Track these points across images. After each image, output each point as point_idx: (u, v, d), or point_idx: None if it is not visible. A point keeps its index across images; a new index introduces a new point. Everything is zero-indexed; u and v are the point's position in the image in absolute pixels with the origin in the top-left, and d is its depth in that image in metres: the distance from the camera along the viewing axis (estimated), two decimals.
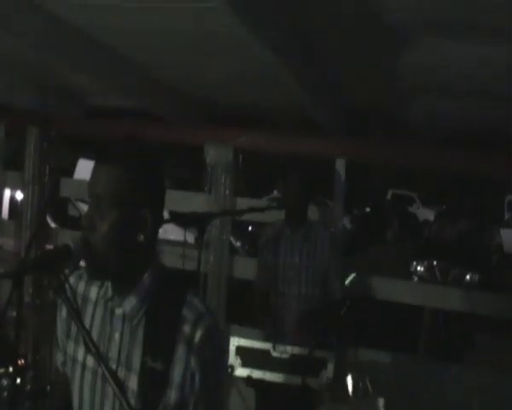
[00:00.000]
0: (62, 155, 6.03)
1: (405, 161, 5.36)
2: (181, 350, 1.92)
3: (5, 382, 4.10)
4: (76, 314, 1.89)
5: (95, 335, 2.02)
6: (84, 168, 13.85)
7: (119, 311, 1.99)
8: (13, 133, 5.84)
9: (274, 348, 3.85)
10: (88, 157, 14.48)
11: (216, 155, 5.17)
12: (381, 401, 3.55)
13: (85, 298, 2.08)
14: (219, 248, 5.15)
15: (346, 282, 4.68)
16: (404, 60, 3.69)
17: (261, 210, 4.24)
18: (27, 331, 4.86)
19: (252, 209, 4.26)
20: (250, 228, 14.49)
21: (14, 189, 9.38)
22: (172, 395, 1.93)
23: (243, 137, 5.16)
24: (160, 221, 2.01)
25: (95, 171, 1.93)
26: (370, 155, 5.22)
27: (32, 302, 5.17)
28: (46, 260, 1.84)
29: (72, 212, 12.54)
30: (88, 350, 2.01)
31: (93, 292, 2.07)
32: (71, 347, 2.10)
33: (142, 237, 1.92)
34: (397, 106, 4.78)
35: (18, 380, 4.04)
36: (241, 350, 3.84)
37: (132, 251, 1.95)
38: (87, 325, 2.03)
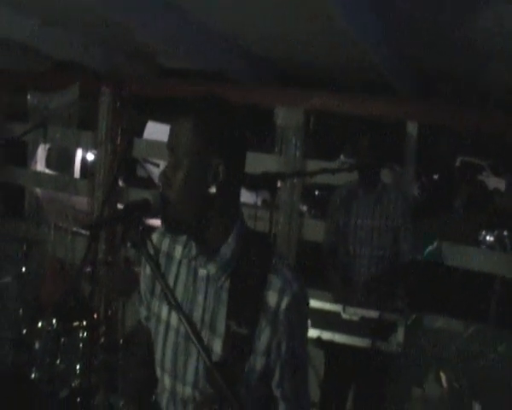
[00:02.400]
0: (133, 116, 6.10)
1: (476, 127, 5.23)
2: (267, 317, 1.90)
3: (80, 335, 4.24)
4: (158, 272, 1.91)
5: (178, 295, 2.02)
6: (153, 130, 13.98)
7: (202, 272, 1.98)
8: (86, 94, 5.90)
9: (344, 309, 3.84)
10: (156, 120, 14.61)
11: (286, 117, 5.14)
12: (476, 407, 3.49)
13: (169, 256, 2.08)
14: (289, 209, 5.14)
15: (428, 248, 4.62)
16: (480, 24, 3.59)
17: (334, 171, 4.19)
18: (101, 287, 4.96)
19: (324, 170, 4.22)
20: (316, 193, 14.46)
21: (86, 149, 9.53)
22: (257, 361, 1.93)
23: (314, 99, 5.12)
24: (239, 179, 1.97)
25: (171, 126, 1.94)
26: (442, 119, 5.10)
27: (105, 259, 5.27)
28: (127, 214, 1.86)
29: (140, 173, 12.71)
30: (172, 309, 2.03)
31: (177, 251, 2.07)
32: (155, 304, 2.12)
33: (214, 189, 1.89)
34: (469, 71, 4.67)
35: (92, 334, 4.17)
36: (311, 311, 3.83)
37: (206, 204, 1.91)
38: (171, 284, 2.04)
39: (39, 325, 4.30)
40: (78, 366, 4.15)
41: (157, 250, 2.06)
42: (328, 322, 3.81)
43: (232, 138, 1.94)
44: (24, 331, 4.41)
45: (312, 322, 3.82)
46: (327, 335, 3.85)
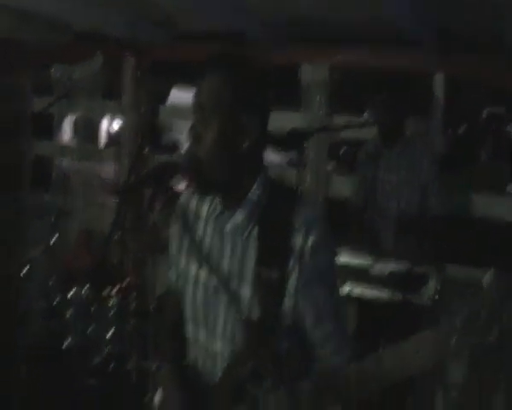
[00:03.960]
0: (157, 83, 6.10)
1: (503, 78, 5.15)
2: (295, 258, 1.91)
3: (111, 302, 4.29)
4: (188, 228, 1.93)
5: (205, 251, 2.06)
6: (177, 96, 13.95)
7: (229, 226, 2.01)
8: (110, 62, 5.91)
9: (373, 264, 3.84)
10: (180, 86, 14.57)
11: (311, 74, 5.13)
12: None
13: (196, 215, 2.12)
14: (316, 167, 5.13)
15: (457, 201, 4.59)
16: None
17: (357, 126, 4.18)
18: (130, 253, 5.00)
19: (350, 125, 4.21)
20: (342, 150, 14.35)
21: (111, 118, 9.57)
22: (288, 303, 1.93)
23: (339, 55, 5.09)
24: (266, 133, 2.01)
25: (199, 82, 1.95)
26: (468, 71, 5.04)
27: (134, 224, 5.30)
28: (157, 175, 1.89)
29: (165, 140, 12.73)
30: (200, 266, 2.07)
31: (204, 209, 2.10)
32: (183, 262, 2.15)
33: (246, 145, 1.93)
34: (495, 23, 4.58)
35: (123, 300, 4.22)
36: (340, 267, 3.85)
37: (238, 160, 1.95)
38: (198, 242, 2.08)
39: (70, 294, 4.37)
40: (109, 333, 4.21)
41: (185, 209, 2.11)
42: (358, 277, 3.81)
43: (260, 95, 1.98)
44: (55, 301, 4.48)
45: (341, 278, 3.84)
46: (356, 290, 3.86)
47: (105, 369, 4.14)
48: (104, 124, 11.32)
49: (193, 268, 2.10)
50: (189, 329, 2.13)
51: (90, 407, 4.13)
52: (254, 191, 1.99)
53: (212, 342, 2.05)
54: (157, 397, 2.22)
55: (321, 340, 2.01)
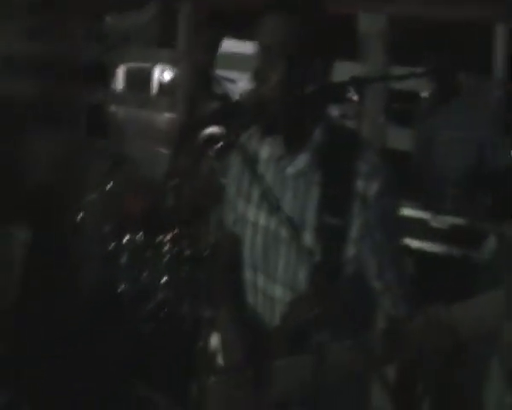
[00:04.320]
0: (212, 31, 6.02)
1: None
2: (357, 204, 1.87)
3: (165, 248, 4.30)
4: (252, 169, 1.96)
5: (266, 195, 2.01)
6: (231, 46, 13.86)
7: (290, 169, 1.97)
8: (165, 9, 5.86)
9: (433, 217, 3.77)
10: (235, 35, 14.47)
11: (369, 23, 5.01)
12: None
13: (256, 158, 2.07)
14: (373, 117, 5.04)
15: None
16: None
17: (418, 77, 4.07)
18: (185, 199, 5.01)
19: (408, 76, 4.09)
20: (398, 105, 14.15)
21: (165, 67, 9.52)
22: (351, 250, 1.90)
23: (398, 4, 4.95)
24: (330, 76, 1.95)
25: (264, 21, 1.90)
26: None
27: (189, 170, 5.30)
28: (220, 117, 1.86)
29: (216, 89, 12.68)
30: (259, 209, 2.04)
31: (264, 152, 2.05)
32: (241, 206, 2.12)
33: (312, 88, 1.88)
34: None
35: (177, 245, 4.23)
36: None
37: (302, 103, 1.90)
38: (258, 185, 2.04)
39: (125, 239, 4.39)
40: (164, 279, 4.23)
41: (244, 151, 2.09)
42: (417, 230, 3.75)
43: (328, 38, 1.93)
44: (110, 247, 4.51)
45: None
46: (416, 243, 3.80)
47: (158, 315, 4.17)
48: (156, 73, 11.33)
49: (252, 212, 2.07)
50: (247, 273, 2.11)
51: (143, 351, 4.17)
52: (317, 136, 1.94)
53: (272, 287, 2.02)
54: (213, 341, 2.21)
55: (383, 289, 1.97)
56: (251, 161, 2.04)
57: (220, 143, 1.92)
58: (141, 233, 4.40)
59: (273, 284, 2.02)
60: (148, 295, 4.25)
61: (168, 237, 4.36)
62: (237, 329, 2.06)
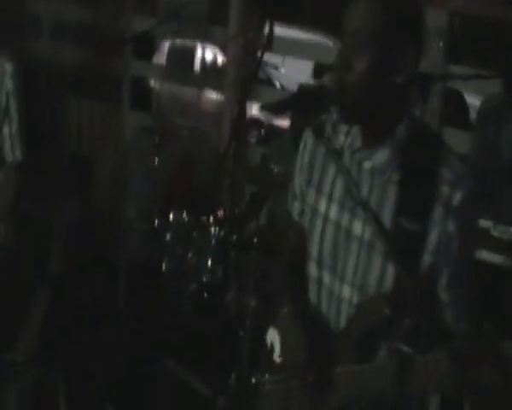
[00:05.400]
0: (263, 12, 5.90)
1: None
2: (438, 212, 1.76)
3: (212, 231, 4.21)
4: (319, 159, 1.86)
5: (339, 188, 1.93)
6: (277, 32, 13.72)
7: (367, 164, 1.85)
8: None
9: (494, 226, 3.63)
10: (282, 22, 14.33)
11: (428, 18, 4.85)
12: None
13: (329, 147, 1.95)
14: (431, 116, 4.90)
15: None
16: None
17: (484, 78, 3.92)
18: (235, 182, 4.95)
19: (473, 76, 3.95)
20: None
21: (206, 46, 9.44)
22: (426, 259, 1.80)
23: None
24: (417, 67, 1.83)
25: (351, 5, 1.78)
26: None
27: (230, 154, 5.21)
28: (303, 98, 1.76)
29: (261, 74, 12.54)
30: (331, 202, 1.94)
31: (338, 141, 1.93)
32: (311, 196, 2.01)
33: (400, 79, 1.76)
34: None
35: (224, 229, 4.14)
36: None
37: (388, 93, 1.78)
38: (331, 176, 1.95)
39: (171, 217, 4.31)
40: (209, 262, 4.14)
41: (315, 139, 1.98)
42: (476, 238, 3.61)
43: (420, 26, 1.81)
44: (156, 223, 4.44)
45: None
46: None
47: (200, 297, 4.10)
48: (199, 53, 11.25)
49: (323, 204, 1.96)
50: (312, 269, 2.02)
51: (182, 332, 4.12)
52: (400, 131, 1.81)
53: (339, 286, 1.93)
54: (272, 338, 2.11)
55: (449, 302, 1.88)
56: (335, 151, 1.91)
57: (314, 126, 1.80)
58: (186, 212, 4.29)
59: (340, 283, 1.93)
60: (192, 276, 4.16)
61: (215, 218, 4.26)
62: (302, 328, 1.96)
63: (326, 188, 1.96)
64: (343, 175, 1.88)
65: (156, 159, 4.67)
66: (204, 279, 4.12)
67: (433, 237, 1.78)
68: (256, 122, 7.78)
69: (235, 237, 3.97)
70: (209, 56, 9.64)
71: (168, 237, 4.25)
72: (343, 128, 1.91)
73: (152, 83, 7.12)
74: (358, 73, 1.74)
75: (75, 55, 5.94)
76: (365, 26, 1.74)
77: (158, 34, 6.33)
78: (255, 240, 3.73)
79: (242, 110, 3.38)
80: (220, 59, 9.45)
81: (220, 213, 4.28)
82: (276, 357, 2.06)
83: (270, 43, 3.67)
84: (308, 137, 2.05)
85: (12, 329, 3.39)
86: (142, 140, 5.17)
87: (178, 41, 8.98)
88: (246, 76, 5.10)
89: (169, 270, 4.21)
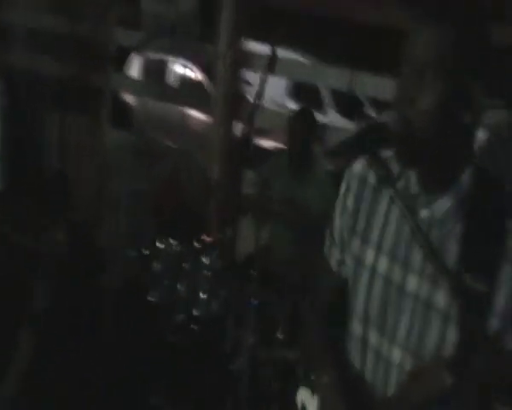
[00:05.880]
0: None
1: None
2: (506, 271, 1.56)
3: (203, 260, 3.98)
4: (365, 203, 1.72)
5: (389, 237, 1.73)
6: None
7: (424, 213, 1.65)
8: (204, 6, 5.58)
9: None
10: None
11: None
12: None
13: (377, 190, 1.76)
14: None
15: None
16: None
17: None
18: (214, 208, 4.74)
19: None
20: None
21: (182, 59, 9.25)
22: (493, 323, 1.59)
23: None
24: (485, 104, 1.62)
25: (415, 32, 1.57)
26: None
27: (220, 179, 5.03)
28: (366, 138, 1.56)
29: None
30: (380, 253, 1.73)
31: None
32: (355, 245, 1.80)
33: (468, 118, 1.56)
34: None
35: (203, 257, 3.91)
36: None
37: (456, 134, 1.58)
38: (379, 224, 1.75)
39: (160, 244, 4.07)
40: (200, 294, 3.91)
41: (361, 179, 1.80)
42: None
43: (491, 59, 1.59)
44: (144, 251, 4.19)
45: None
46: None
47: (188, 330, 3.89)
48: (172, 65, 11.05)
49: (369, 255, 1.76)
50: (357, 326, 1.81)
51: (168, 362, 3.93)
52: (465, 179, 1.62)
53: (389, 348, 1.73)
54: (305, 399, 1.90)
55: None
56: (364, 192, 1.76)
57: (380, 169, 1.60)
58: (175, 238, 4.06)
59: (390, 345, 1.73)
60: (181, 307, 3.94)
61: (206, 245, 4.05)
62: (345, 400, 1.75)
63: (373, 237, 1.76)
64: (402, 222, 1.68)
65: (144, 181, 4.43)
66: (194, 313, 3.88)
67: (501, 299, 1.58)
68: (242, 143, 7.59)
69: (229, 266, 3.77)
70: (181, 70, 9.46)
71: (156, 265, 4.01)
72: (394, 170, 1.70)
73: (129, 98, 6.88)
74: (424, 110, 1.54)
75: (54, 68, 5.68)
76: (431, 56, 1.53)
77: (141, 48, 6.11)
78: (252, 269, 3.51)
79: (249, 136, 3.19)
80: (193, 74, 9.28)
81: (210, 237, 4.07)
82: None
83: (273, 64, 3.45)
84: (351, 179, 1.83)
85: None
86: (128, 160, 4.93)
87: (151, 54, 8.77)
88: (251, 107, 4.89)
89: (156, 300, 3.98)
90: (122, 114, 6.53)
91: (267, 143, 7.00)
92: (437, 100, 1.54)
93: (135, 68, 10.02)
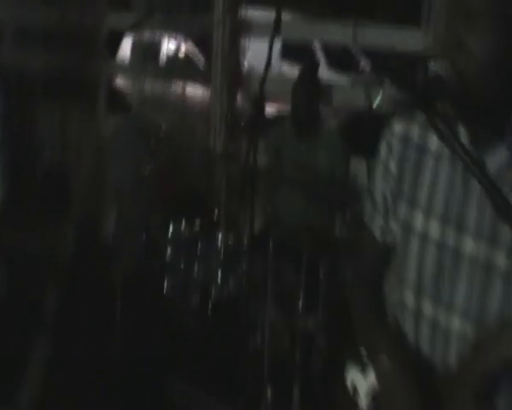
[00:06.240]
0: None
1: None
2: None
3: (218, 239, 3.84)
4: (409, 163, 1.60)
5: (439, 198, 1.59)
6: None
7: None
8: None
9: None
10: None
11: None
12: None
13: (421, 149, 1.62)
14: None
15: None
16: None
17: None
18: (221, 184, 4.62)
19: None
20: None
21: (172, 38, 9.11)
22: None
23: None
24: None
25: None
26: None
27: (225, 153, 4.90)
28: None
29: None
30: (430, 217, 1.60)
31: (433, 141, 1.60)
32: (402, 210, 1.65)
33: None
34: None
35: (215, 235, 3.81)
36: None
37: (509, 84, 1.47)
38: (426, 185, 1.61)
39: (171, 228, 3.92)
40: (218, 272, 3.77)
41: (402, 138, 1.66)
42: None
43: None
44: (155, 236, 4.05)
45: None
46: None
47: (204, 311, 3.79)
48: (165, 43, 10.89)
49: (418, 219, 1.62)
50: (409, 297, 1.66)
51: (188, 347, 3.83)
52: None
53: (446, 317, 1.59)
54: (356, 379, 1.75)
55: None
56: (408, 151, 1.61)
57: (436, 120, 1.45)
58: (184, 219, 3.92)
59: (449, 314, 1.59)
60: (196, 292, 3.83)
61: (205, 222, 3.92)
62: (406, 380, 1.59)
63: (422, 199, 1.63)
64: (454, 180, 1.56)
65: (148, 166, 4.28)
66: (212, 295, 3.75)
67: None
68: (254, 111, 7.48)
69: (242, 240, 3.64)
70: (173, 47, 9.28)
71: (168, 250, 3.86)
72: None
73: (126, 82, 6.77)
74: (477, 56, 1.45)
75: (45, 59, 5.53)
76: (483, 5, 1.44)
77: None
78: (267, 242, 3.37)
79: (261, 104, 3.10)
80: (184, 48, 9.13)
81: (220, 214, 3.95)
82: (362, 402, 1.72)
83: (278, 27, 3.31)
84: (393, 139, 1.68)
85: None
86: (128, 145, 4.78)
87: (141, 34, 8.59)
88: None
89: (173, 287, 3.84)
90: (118, 99, 6.40)
91: (267, 110, 6.88)
92: (495, 47, 1.45)
93: (128, 51, 9.88)
